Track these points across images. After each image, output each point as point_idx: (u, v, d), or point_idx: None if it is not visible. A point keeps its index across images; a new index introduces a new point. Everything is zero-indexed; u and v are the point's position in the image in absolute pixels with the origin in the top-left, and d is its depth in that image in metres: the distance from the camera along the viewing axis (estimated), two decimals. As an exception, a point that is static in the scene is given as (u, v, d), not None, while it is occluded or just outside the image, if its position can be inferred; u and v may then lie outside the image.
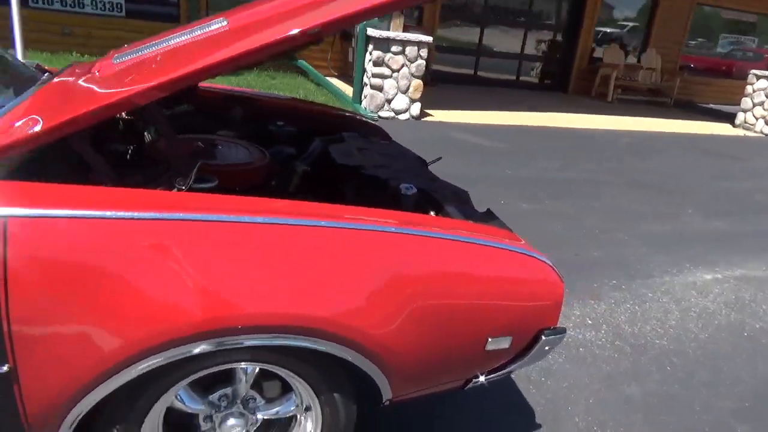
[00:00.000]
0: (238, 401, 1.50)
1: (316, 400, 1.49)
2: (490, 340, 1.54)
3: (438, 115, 7.42)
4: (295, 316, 1.26)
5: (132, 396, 1.30)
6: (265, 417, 1.55)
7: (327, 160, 2.18)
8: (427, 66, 7.23)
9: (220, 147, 2.01)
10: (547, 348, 1.65)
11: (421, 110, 7.15)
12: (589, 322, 2.90)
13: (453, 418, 2.08)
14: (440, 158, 2.43)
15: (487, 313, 1.51)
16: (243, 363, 1.37)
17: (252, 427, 1.56)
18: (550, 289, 1.59)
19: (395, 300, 1.37)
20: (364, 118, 2.90)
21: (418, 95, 7.01)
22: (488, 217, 2.00)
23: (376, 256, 1.37)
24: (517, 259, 1.56)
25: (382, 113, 6.94)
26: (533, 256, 1.58)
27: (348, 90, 7.53)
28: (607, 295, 3.20)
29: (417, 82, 6.95)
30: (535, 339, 1.62)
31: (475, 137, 6.62)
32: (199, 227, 1.23)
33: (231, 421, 1.49)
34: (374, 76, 6.78)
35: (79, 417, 1.23)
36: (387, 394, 1.52)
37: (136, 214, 1.19)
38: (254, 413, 1.53)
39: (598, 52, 11.83)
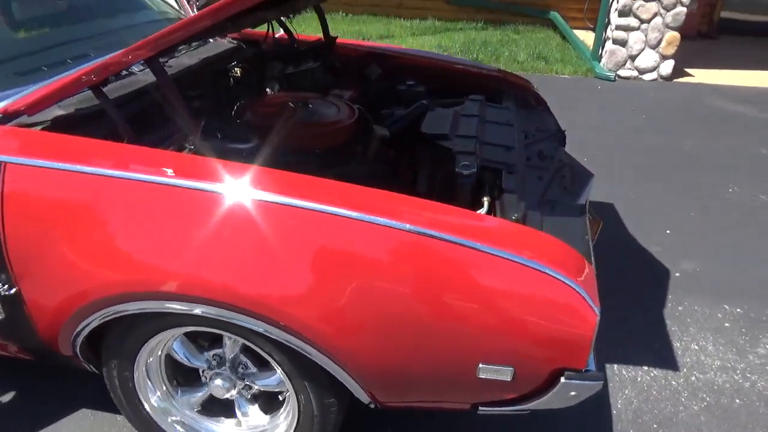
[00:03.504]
0: (227, 364, 1.51)
1: (290, 384, 1.42)
2: (481, 366, 1.24)
3: (701, 76, 6.10)
4: (216, 288, 1.20)
5: (121, 336, 1.42)
6: (255, 386, 1.54)
7: (416, 125, 1.98)
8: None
9: (310, 105, 1.97)
10: (572, 393, 1.26)
11: (676, 69, 5.96)
12: (778, 368, 2.13)
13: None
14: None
15: (475, 334, 1.20)
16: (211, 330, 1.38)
17: (245, 392, 1.57)
18: (573, 322, 1.19)
19: (349, 296, 1.20)
20: (513, 77, 2.53)
21: (671, 51, 5.85)
22: (573, 211, 1.59)
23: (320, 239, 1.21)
24: (526, 275, 1.19)
25: (623, 72, 6.00)
26: (556, 277, 1.19)
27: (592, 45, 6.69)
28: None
29: (672, 35, 5.79)
30: (555, 379, 1.25)
31: (737, 104, 5.27)
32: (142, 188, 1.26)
33: (218, 381, 1.52)
34: (618, 28, 5.86)
35: (83, 336, 1.38)
36: (361, 396, 1.36)
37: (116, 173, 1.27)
38: (243, 379, 1.53)
39: None
